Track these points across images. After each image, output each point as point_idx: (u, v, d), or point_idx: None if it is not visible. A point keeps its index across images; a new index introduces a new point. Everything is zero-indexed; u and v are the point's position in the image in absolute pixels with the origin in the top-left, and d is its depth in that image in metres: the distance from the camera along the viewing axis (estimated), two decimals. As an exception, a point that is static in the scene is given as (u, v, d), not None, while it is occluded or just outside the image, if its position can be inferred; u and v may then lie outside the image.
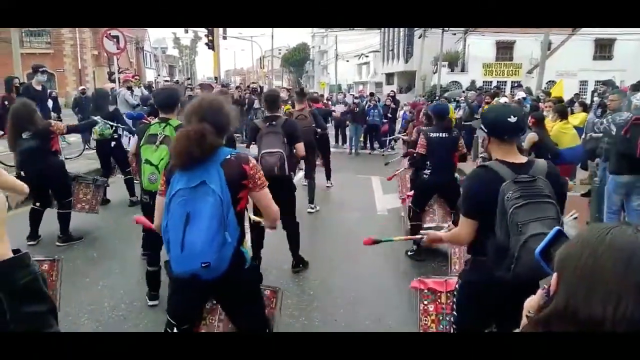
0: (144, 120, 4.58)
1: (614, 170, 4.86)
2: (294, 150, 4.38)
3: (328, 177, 8.45)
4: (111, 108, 6.75)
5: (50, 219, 5.20)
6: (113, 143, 6.74)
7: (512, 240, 2.05)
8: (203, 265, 2.06)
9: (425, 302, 2.94)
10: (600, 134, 6.38)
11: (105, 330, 3.47)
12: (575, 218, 1.06)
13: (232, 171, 2.16)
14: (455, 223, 2.60)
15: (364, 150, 13.45)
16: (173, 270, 2.23)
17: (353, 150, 13.18)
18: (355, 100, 14.36)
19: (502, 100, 10.93)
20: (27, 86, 8.04)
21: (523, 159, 2.26)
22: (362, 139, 13.56)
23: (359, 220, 6.59)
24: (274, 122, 4.25)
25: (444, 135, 4.83)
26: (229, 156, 2.19)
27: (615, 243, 0.75)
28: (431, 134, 4.85)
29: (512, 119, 2.24)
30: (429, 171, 4.82)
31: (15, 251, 1.63)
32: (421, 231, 2.93)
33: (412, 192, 5.31)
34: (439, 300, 2.92)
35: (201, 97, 2.39)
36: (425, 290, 2.94)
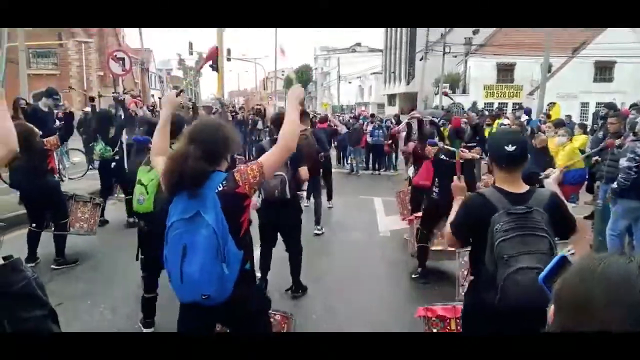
0: (149, 146, 4.60)
1: (625, 195, 4.76)
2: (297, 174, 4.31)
3: (329, 197, 8.46)
4: (112, 131, 6.79)
5: (50, 241, 5.17)
6: (113, 164, 6.77)
7: (499, 273, 2.04)
8: (203, 297, 2.06)
9: (435, 330, 2.86)
10: (597, 157, 6.37)
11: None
12: (573, 254, 1.05)
13: (228, 202, 2.07)
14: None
15: (366, 171, 13.46)
16: (178, 297, 2.22)
17: (353, 172, 13.22)
18: (350, 121, 14.31)
19: (505, 121, 10.95)
20: (35, 107, 8.11)
21: (524, 188, 2.19)
22: (358, 158, 13.56)
23: (361, 241, 6.55)
24: None
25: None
26: (220, 187, 2.08)
27: (606, 272, 0.75)
28: (441, 156, 4.81)
29: (510, 148, 2.14)
30: (437, 189, 4.79)
31: (5, 258, 1.60)
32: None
33: (420, 214, 5.26)
34: (449, 327, 2.85)
35: (198, 120, 2.38)
36: (434, 318, 2.87)
